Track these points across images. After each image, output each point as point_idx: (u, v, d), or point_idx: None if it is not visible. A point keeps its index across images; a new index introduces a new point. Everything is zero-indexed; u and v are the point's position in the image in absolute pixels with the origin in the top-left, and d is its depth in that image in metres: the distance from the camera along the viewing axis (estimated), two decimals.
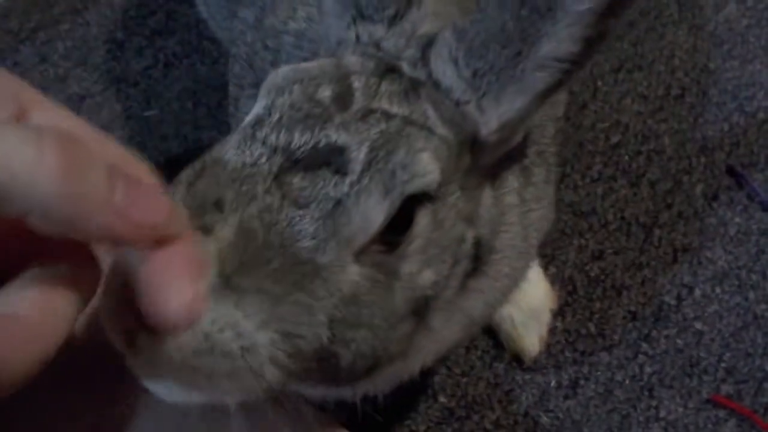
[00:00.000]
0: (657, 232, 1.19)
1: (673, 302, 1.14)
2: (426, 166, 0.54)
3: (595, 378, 1.09)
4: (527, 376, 1.09)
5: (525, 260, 0.74)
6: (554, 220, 0.86)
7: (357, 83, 0.56)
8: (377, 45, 0.60)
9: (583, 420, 1.06)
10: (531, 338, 1.09)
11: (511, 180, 0.68)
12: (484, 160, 0.61)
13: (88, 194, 0.35)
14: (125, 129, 1.34)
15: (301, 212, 0.50)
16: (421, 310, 0.58)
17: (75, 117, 0.42)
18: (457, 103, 0.57)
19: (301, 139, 0.52)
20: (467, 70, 0.56)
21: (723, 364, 1.09)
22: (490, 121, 0.57)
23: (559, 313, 1.13)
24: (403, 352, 0.61)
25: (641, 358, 1.10)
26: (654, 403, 1.07)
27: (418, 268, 0.56)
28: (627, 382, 1.08)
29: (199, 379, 0.47)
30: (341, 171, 0.51)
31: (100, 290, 0.43)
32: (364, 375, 0.59)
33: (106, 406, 0.50)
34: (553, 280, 1.14)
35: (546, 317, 1.11)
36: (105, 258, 0.43)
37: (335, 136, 0.52)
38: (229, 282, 0.46)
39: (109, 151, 0.42)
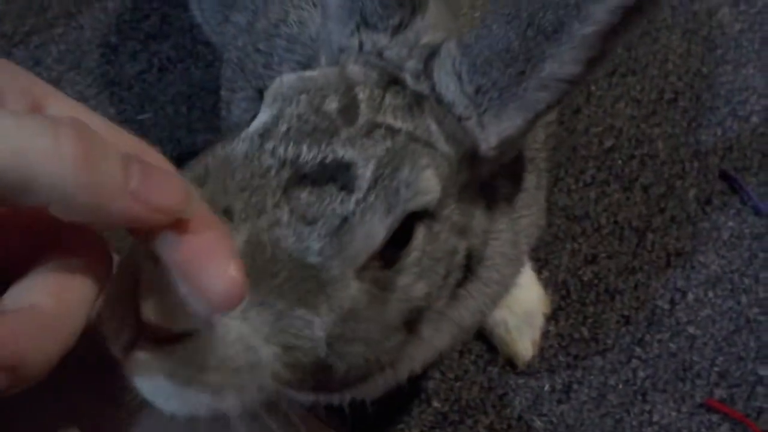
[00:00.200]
0: (650, 236, 1.19)
1: (666, 306, 1.14)
2: (429, 184, 0.54)
3: (588, 382, 1.09)
4: (521, 381, 1.09)
5: (515, 267, 0.74)
6: (546, 225, 0.86)
7: (361, 95, 0.56)
8: (380, 54, 0.60)
9: (576, 424, 1.06)
10: (524, 342, 1.09)
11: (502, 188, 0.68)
12: (481, 174, 0.62)
13: (106, 182, 0.36)
14: None
15: (308, 228, 0.50)
16: (413, 320, 0.58)
17: (88, 109, 0.43)
18: (459, 119, 0.58)
19: (309, 154, 0.52)
20: (470, 86, 0.56)
21: (716, 369, 1.09)
22: (489, 137, 0.58)
23: (552, 318, 1.13)
24: (393, 361, 0.61)
25: (634, 362, 1.10)
26: (647, 407, 1.07)
27: (413, 281, 0.56)
28: (620, 386, 1.08)
29: (205, 393, 0.46)
30: (347, 188, 0.51)
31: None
32: (355, 384, 0.59)
33: (107, 405, 0.50)
34: (547, 284, 1.14)
35: (539, 321, 1.11)
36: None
37: (342, 151, 0.52)
38: None
39: (123, 139, 0.43)
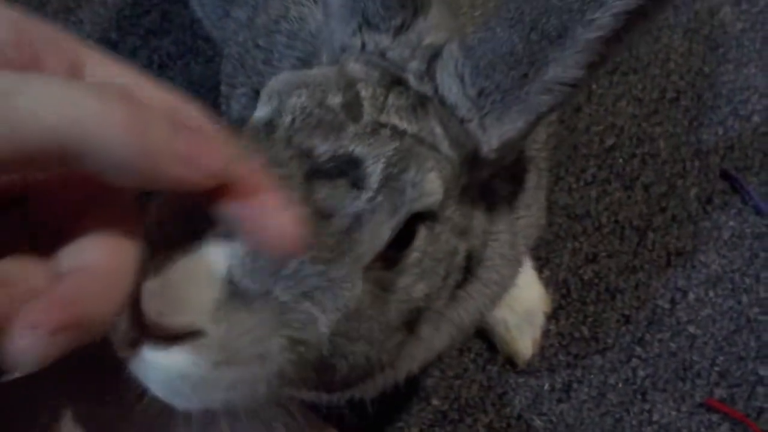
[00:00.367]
0: (651, 235, 1.19)
1: (666, 306, 1.14)
2: (433, 186, 0.54)
3: (588, 381, 1.08)
4: (520, 379, 1.09)
5: (514, 268, 0.74)
6: (546, 224, 0.86)
7: (364, 92, 0.55)
8: (382, 54, 0.59)
9: (576, 423, 1.06)
10: (524, 341, 1.08)
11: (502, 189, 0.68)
12: (481, 176, 0.61)
13: (156, 147, 0.37)
14: None
15: (324, 223, 0.49)
16: (412, 321, 0.58)
17: (130, 68, 0.43)
18: (461, 121, 0.57)
19: (322, 147, 0.51)
20: (473, 88, 0.56)
21: (716, 368, 1.09)
22: (491, 139, 0.57)
23: (552, 317, 1.12)
24: (393, 361, 0.60)
25: (634, 361, 1.10)
26: (647, 406, 1.07)
27: (413, 282, 0.56)
28: (620, 385, 1.08)
29: (217, 390, 0.46)
30: (358, 185, 0.51)
31: None
32: (356, 383, 0.59)
33: (106, 405, 0.50)
34: (547, 283, 1.14)
35: (540, 320, 1.11)
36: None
37: (352, 146, 0.52)
38: (239, 285, 0.46)
39: (168, 100, 0.43)
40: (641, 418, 1.06)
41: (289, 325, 0.48)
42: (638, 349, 1.11)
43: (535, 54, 0.54)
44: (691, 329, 1.12)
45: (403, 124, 0.55)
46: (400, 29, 0.59)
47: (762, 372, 1.09)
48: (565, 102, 0.56)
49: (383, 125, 0.54)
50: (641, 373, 1.09)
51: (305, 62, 0.80)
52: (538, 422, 1.06)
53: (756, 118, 1.29)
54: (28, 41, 0.39)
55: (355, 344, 0.54)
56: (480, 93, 0.56)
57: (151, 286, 0.43)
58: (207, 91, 1.35)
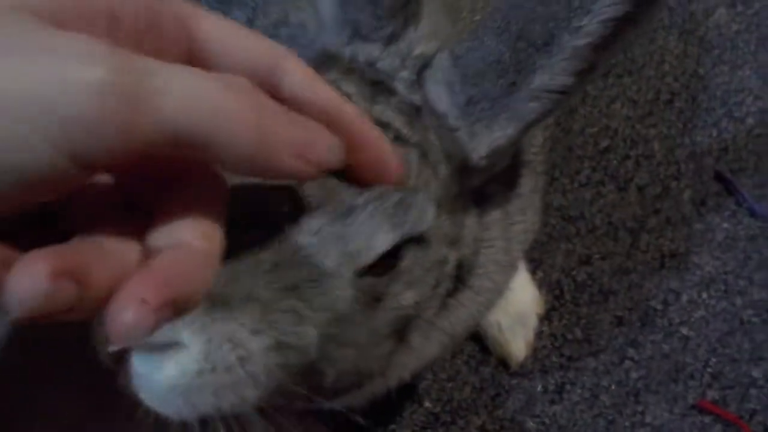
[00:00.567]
0: (644, 237, 1.19)
1: (659, 307, 1.14)
2: (430, 214, 0.54)
3: (581, 383, 1.09)
4: (513, 381, 1.09)
5: (508, 274, 0.74)
6: (540, 227, 0.86)
7: (355, 98, 0.56)
8: (372, 64, 0.59)
9: (569, 425, 1.06)
10: (517, 343, 1.08)
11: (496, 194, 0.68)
12: (472, 183, 0.61)
13: (276, 142, 0.38)
14: None
15: (310, 213, 0.49)
16: (402, 329, 0.58)
17: (244, 29, 0.44)
18: (451, 129, 0.57)
19: None
20: (462, 97, 0.56)
21: (709, 370, 1.09)
22: (480, 147, 0.58)
23: (545, 318, 1.12)
24: (382, 369, 0.61)
25: (627, 363, 1.10)
26: (640, 408, 1.07)
27: (402, 290, 0.56)
28: (613, 387, 1.08)
29: (204, 396, 0.46)
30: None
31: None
32: (344, 392, 0.59)
33: (106, 411, 0.50)
34: (540, 284, 1.14)
35: (533, 322, 1.11)
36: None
37: None
38: (220, 294, 0.46)
39: (285, 76, 0.44)
40: (634, 420, 1.06)
41: (274, 326, 0.48)
42: (631, 351, 1.11)
43: (522, 62, 0.54)
44: (685, 331, 1.12)
45: (405, 130, 0.55)
46: (391, 39, 0.59)
47: (755, 374, 1.09)
48: (554, 109, 0.56)
49: (385, 125, 0.54)
50: (634, 374, 1.09)
51: None
52: (531, 424, 1.06)
53: (750, 120, 1.29)
54: (156, 11, 0.40)
55: (343, 350, 0.53)
56: (469, 101, 0.56)
57: None
58: None
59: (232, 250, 0.43)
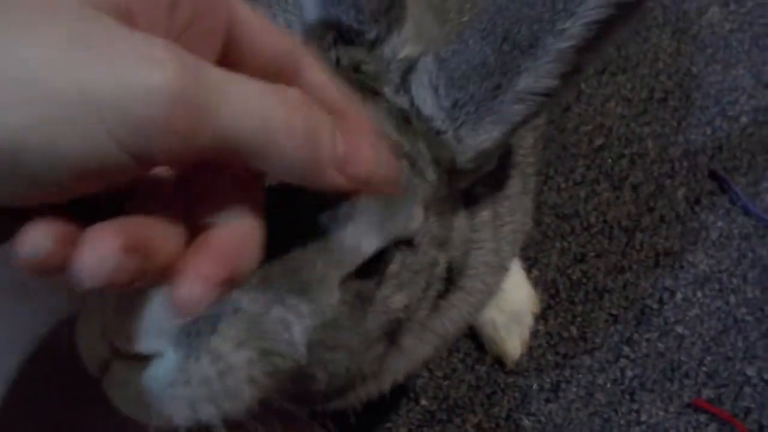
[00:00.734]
0: (639, 235, 1.19)
1: (654, 306, 1.14)
2: (418, 219, 0.55)
3: (576, 381, 1.09)
4: (509, 379, 1.09)
5: (498, 275, 0.73)
6: (533, 226, 0.86)
7: None
8: (357, 68, 0.59)
9: (564, 423, 1.06)
10: (513, 341, 1.08)
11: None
12: (460, 186, 0.61)
13: (321, 154, 0.40)
14: None
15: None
16: (393, 332, 0.57)
17: (271, 22, 0.45)
18: (437, 132, 0.57)
19: None
20: (447, 100, 0.56)
21: (704, 368, 1.09)
22: (466, 150, 0.57)
23: (541, 317, 1.12)
24: (375, 372, 0.60)
25: (623, 361, 1.10)
26: (635, 406, 1.07)
27: (391, 293, 0.55)
28: (608, 385, 1.08)
29: (180, 406, 0.46)
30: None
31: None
32: (337, 395, 0.58)
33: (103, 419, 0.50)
34: (536, 283, 1.14)
35: (528, 320, 1.11)
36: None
37: None
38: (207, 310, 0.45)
39: (323, 87, 0.45)
40: (629, 418, 1.06)
41: (260, 336, 0.47)
42: (626, 349, 1.11)
43: (507, 64, 0.54)
44: (679, 329, 1.12)
45: (393, 135, 0.55)
46: (375, 44, 0.59)
47: (749, 372, 1.09)
48: (539, 112, 0.56)
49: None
50: (629, 373, 1.09)
51: None
52: (526, 422, 1.06)
53: (744, 119, 1.30)
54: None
55: (334, 354, 0.53)
56: (454, 104, 0.56)
57: (115, 309, 0.43)
58: None
59: None
